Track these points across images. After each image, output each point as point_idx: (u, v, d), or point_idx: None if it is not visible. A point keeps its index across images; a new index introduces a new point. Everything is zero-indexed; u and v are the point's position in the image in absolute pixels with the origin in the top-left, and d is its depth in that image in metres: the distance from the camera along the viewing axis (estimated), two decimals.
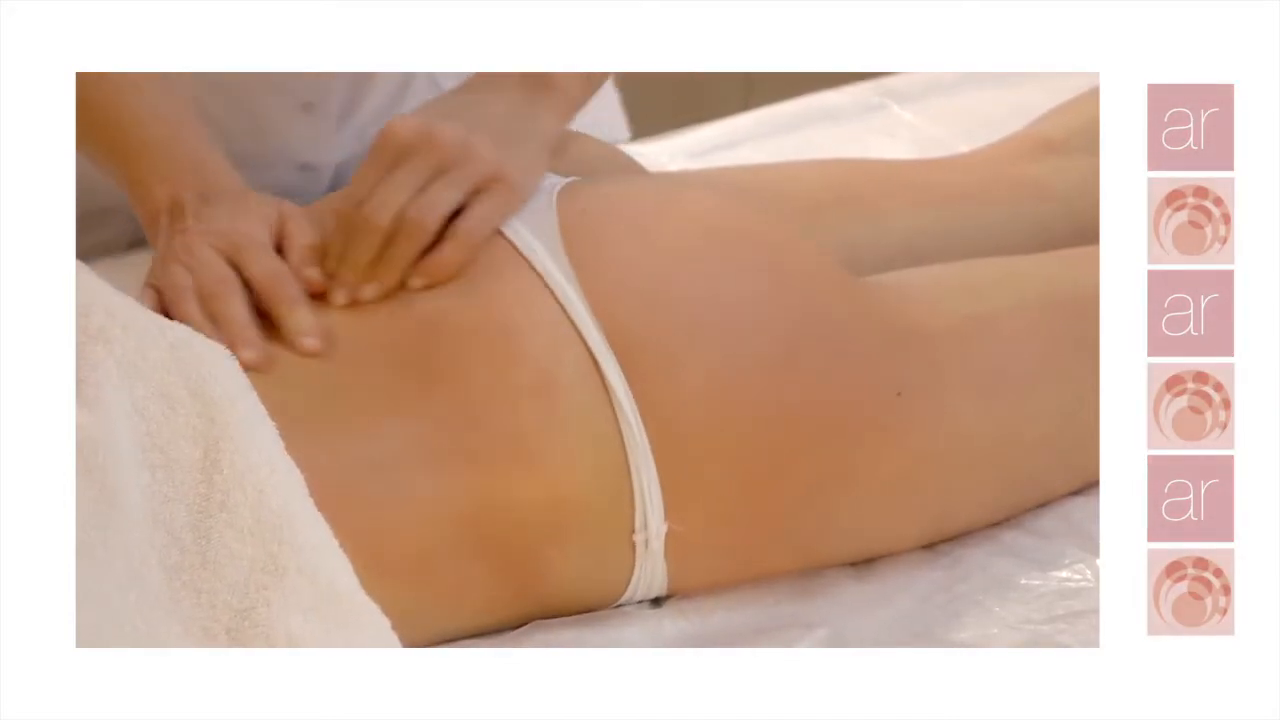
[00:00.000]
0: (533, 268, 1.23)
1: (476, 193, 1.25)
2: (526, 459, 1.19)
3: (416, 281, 1.24)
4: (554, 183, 1.30)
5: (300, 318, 1.22)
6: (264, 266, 1.25)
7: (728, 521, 1.24)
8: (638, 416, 1.20)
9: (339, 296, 1.24)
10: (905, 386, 1.26)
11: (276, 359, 1.20)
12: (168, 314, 1.22)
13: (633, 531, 1.22)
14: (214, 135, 1.35)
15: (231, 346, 1.18)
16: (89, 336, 1.11)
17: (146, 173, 1.31)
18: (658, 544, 1.23)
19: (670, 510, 1.22)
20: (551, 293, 1.22)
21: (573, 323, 1.21)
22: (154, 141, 1.32)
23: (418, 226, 1.24)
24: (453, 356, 1.20)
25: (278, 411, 1.14)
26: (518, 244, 1.25)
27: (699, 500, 1.22)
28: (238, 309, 1.22)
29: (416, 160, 1.25)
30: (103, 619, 1.04)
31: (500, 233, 1.25)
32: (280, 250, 1.27)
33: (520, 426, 1.19)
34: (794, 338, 1.24)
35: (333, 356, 1.21)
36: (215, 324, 1.21)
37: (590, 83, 1.36)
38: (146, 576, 1.07)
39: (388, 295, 1.24)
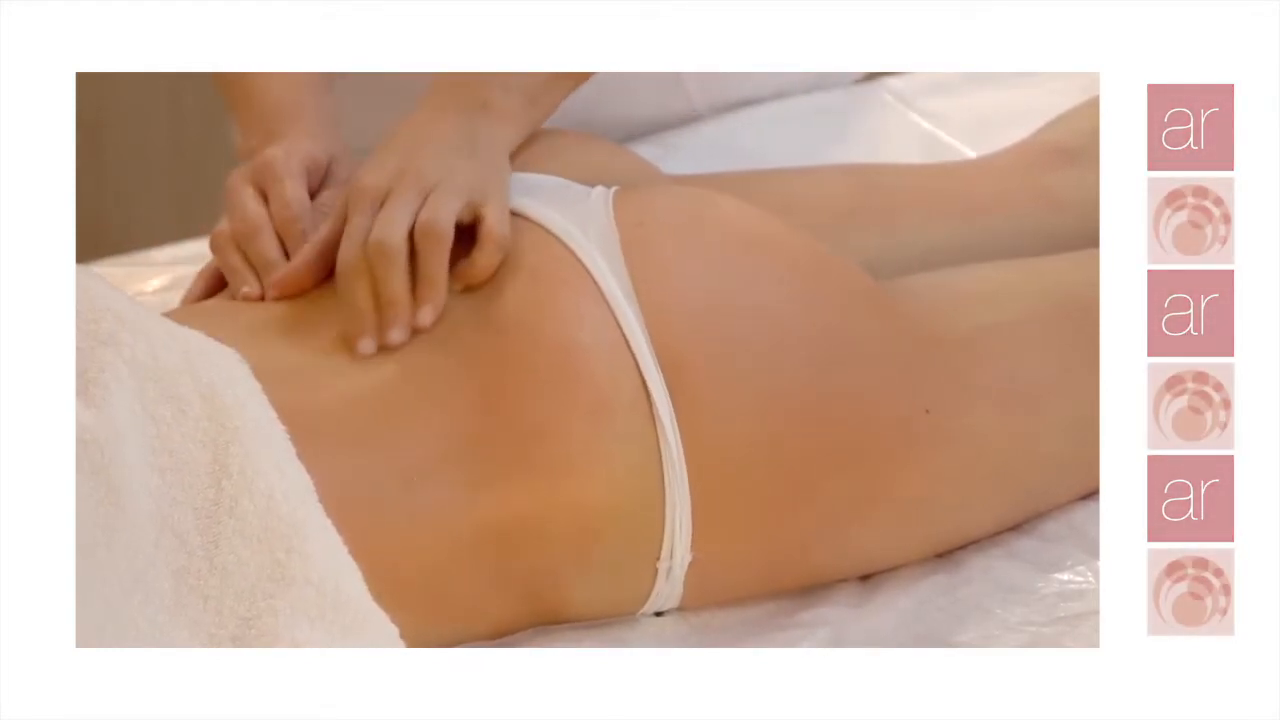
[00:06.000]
0: (595, 284, 1.22)
1: (473, 205, 1.23)
2: (569, 481, 1.18)
3: (455, 286, 1.21)
4: (603, 191, 1.28)
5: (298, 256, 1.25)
6: (278, 198, 1.28)
7: (750, 547, 1.23)
8: (680, 446, 1.20)
9: (395, 335, 1.19)
10: (933, 403, 1.26)
11: (309, 368, 1.19)
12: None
13: (657, 559, 1.22)
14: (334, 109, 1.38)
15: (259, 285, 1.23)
16: (99, 341, 1.10)
17: (244, 123, 1.36)
18: (680, 572, 1.22)
19: (697, 539, 1.21)
20: (611, 311, 1.21)
21: (628, 344, 1.20)
22: (259, 96, 1.36)
23: (434, 230, 1.20)
24: (518, 368, 1.19)
25: (300, 418, 1.13)
26: (582, 258, 1.22)
27: (726, 529, 1.22)
28: (266, 246, 1.26)
29: (400, 190, 1.22)
30: (106, 620, 1.04)
31: (562, 242, 1.23)
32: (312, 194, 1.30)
33: (571, 447, 1.18)
34: (830, 358, 1.24)
35: (380, 361, 1.19)
36: (255, 266, 1.26)
37: (535, 98, 1.32)
38: (153, 579, 1.06)
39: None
